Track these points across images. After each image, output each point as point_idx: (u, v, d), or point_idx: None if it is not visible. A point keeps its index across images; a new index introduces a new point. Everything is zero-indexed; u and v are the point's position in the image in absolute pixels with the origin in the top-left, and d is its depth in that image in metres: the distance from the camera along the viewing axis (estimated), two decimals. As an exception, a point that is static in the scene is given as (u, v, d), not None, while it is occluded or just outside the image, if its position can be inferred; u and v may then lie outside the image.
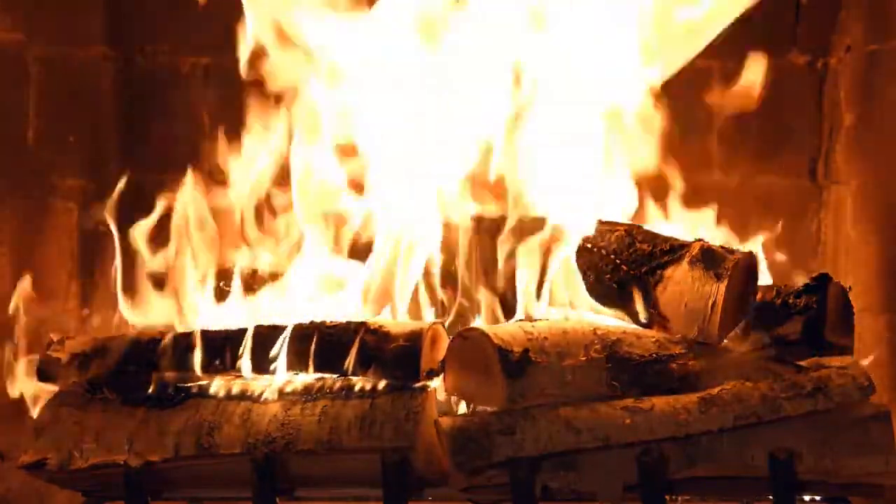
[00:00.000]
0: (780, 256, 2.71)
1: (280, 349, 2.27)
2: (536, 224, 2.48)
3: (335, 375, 2.27)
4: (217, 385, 2.31)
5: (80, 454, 2.25)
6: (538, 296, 2.43)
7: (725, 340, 2.29)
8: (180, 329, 2.41)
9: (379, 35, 2.60)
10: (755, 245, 2.57)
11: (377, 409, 2.19)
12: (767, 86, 2.98)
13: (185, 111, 3.06)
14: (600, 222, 2.45)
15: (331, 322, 2.30)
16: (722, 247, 2.31)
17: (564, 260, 2.43)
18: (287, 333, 2.28)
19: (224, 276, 2.57)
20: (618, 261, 2.37)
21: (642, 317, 2.34)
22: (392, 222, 2.54)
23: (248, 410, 2.24)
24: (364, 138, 2.64)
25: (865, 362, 2.30)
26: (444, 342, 2.27)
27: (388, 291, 2.48)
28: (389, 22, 2.59)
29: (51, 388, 2.36)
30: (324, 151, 2.66)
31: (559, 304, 2.43)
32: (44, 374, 2.37)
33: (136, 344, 2.35)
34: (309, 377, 2.29)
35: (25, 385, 2.40)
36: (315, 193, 2.65)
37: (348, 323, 2.29)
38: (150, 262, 2.56)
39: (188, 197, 2.63)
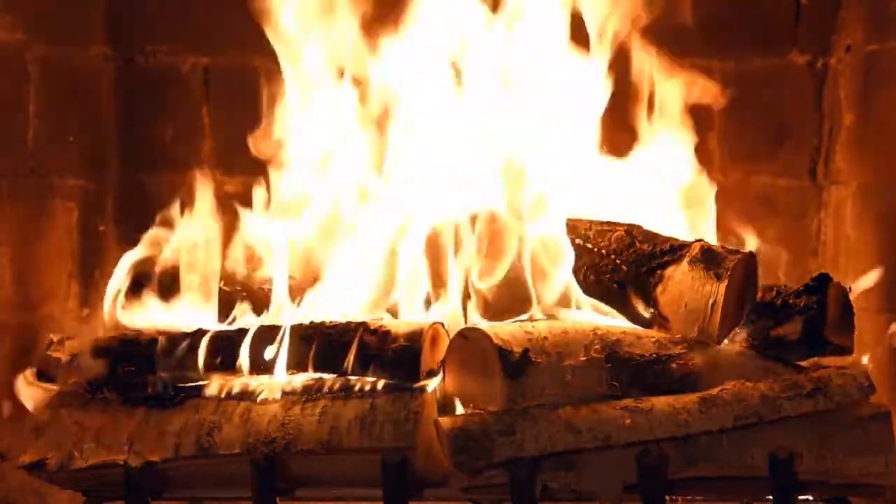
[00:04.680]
0: (781, 256, 2.71)
1: (280, 349, 2.27)
2: (536, 223, 2.49)
3: (335, 375, 2.27)
4: (217, 385, 2.31)
5: (80, 454, 2.24)
6: (538, 295, 2.43)
7: (726, 340, 2.29)
8: (179, 329, 2.40)
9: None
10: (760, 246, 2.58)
11: (377, 410, 2.19)
12: (767, 86, 2.99)
13: (185, 111, 3.07)
14: (599, 222, 2.45)
15: (331, 322, 2.30)
16: (722, 247, 2.31)
17: (564, 259, 2.43)
18: (287, 333, 2.28)
19: (224, 275, 2.57)
20: (618, 261, 2.37)
21: (642, 317, 2.34)
22: (392, 223, 2.54)
23: (248, 410, 2.24)
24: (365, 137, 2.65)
25: (866, 362, 2.30)
26: (444, 342, 2.28)
27: (388, 291, 2.48)
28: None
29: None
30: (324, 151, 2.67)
31: (559, 304, 2.42)
32: (44, 374, 2.37)
33: (135, 344, 2.35)
34: (309, 377, 2.29)
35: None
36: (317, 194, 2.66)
37: (348, 323, 2.29)
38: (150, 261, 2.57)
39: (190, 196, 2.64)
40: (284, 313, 2.43)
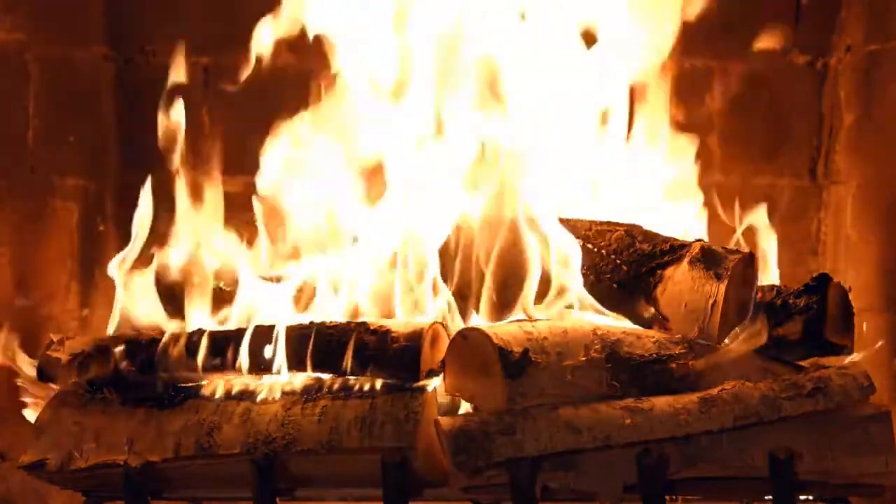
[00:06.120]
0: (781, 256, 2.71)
1: (280, 349, 2.27)
2: (534, 223, 2.48)
3: (335, 375, 2.27)
4: (217, 385, 2.31)
5: (80, 454, 2.24)
6: (538, 295, 2.43)
7: (726, 340, 2.29)
8: (179, 329, 2.40)
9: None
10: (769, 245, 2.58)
11: (377, 410, 2.19)
12: (767, 86, 3.00)
13: (185, 111, 3.06)
14: (599, 222, 2.45)
15: (331, 322, 2.30)
16: (722, 247, 2.31)
17: (564, 259, 2.42)
18: (287, 333, 2.27)
19: (223, 276, 2.57)
20: (618, 261, 2.37)
21: (642, 317, 2.34)
22: (392, 223, 2.54)
23: (248, 410, 2.24)
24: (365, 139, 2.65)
25: (858, 357, 2.30)
26: (444, 342, 2.27)
27: (388, 291, 2.48)
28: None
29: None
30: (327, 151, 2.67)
31: (559, 304, 2.42)
32: (44, 374, 2.37)
33: (135, 344, 2.35)
34: (309, 377, 2.29)
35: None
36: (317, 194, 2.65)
37: (348, 323, 2.29)
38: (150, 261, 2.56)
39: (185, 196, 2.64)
40: (284, 314, 2.43)
